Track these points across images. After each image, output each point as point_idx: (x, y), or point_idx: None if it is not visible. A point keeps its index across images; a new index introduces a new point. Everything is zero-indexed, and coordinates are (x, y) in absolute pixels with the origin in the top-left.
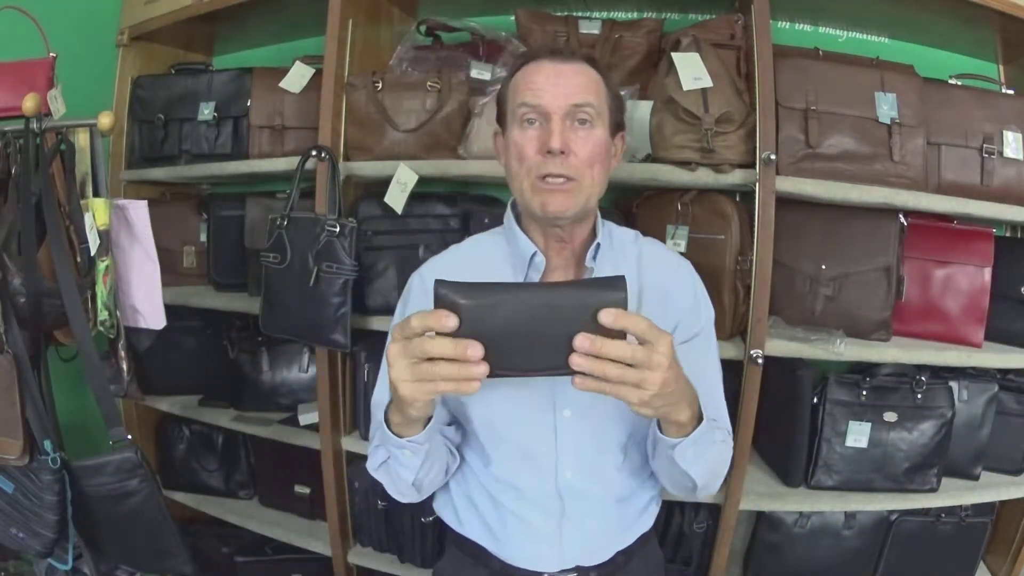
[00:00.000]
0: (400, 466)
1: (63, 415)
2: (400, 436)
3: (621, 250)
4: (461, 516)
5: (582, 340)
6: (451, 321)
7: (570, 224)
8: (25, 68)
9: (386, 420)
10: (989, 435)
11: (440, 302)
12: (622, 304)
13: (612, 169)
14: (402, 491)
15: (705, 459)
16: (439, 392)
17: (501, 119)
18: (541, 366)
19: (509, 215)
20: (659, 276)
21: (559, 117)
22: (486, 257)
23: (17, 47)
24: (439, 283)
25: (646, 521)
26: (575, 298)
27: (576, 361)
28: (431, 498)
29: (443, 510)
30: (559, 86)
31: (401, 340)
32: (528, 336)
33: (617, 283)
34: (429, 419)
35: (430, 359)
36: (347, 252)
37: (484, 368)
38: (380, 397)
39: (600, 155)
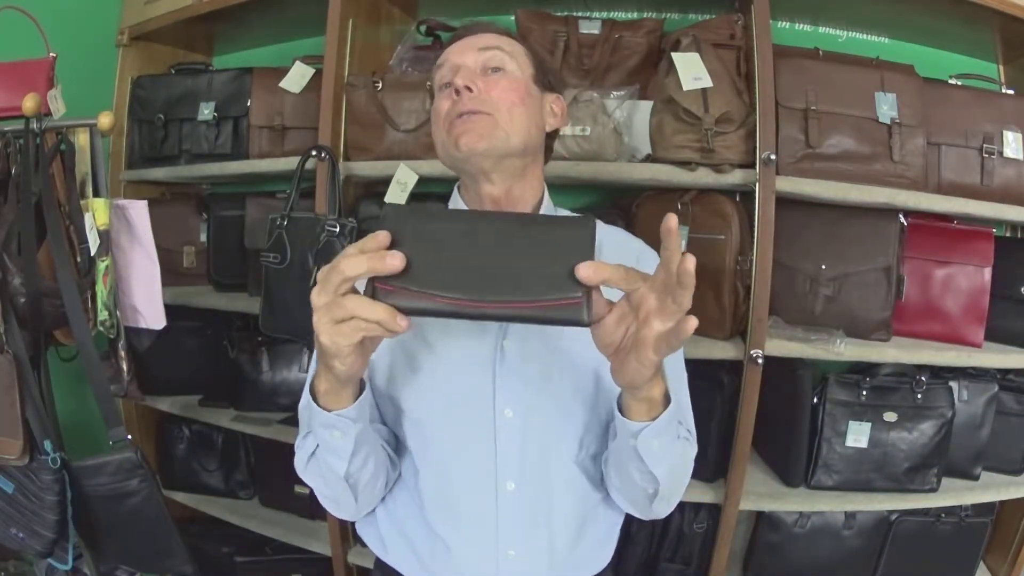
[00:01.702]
0: (330, 454)
1: (63, 415)
2: (329, 410)
3: None
4: (387, 541)
5: (585, 269)
6: (383, 237)
7: (501, 177)
8: (25, 68)
9: (312, 393)
10: (989, 435)
11: (386, 223)
12: (589, 242)
13: (551, 127)
14: (336, 494)
15: (671, 456)
16: (360, 331)
17: None
18: (489, 298)
19: (455, 195)
20: (623, 260)
21: (468, 68)
22: None
23: (17, 47)
24: (389, 206)
25: (600, 558)
26: (536, 231)
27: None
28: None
29: (370, 537)
30: (467, 44)
31: (322, 280)
32: (478, 266)
33: (585, 220)
34: (361, 391)
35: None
36: None
37: (399, 261)
38: (308, 399)
39: (519, 94)
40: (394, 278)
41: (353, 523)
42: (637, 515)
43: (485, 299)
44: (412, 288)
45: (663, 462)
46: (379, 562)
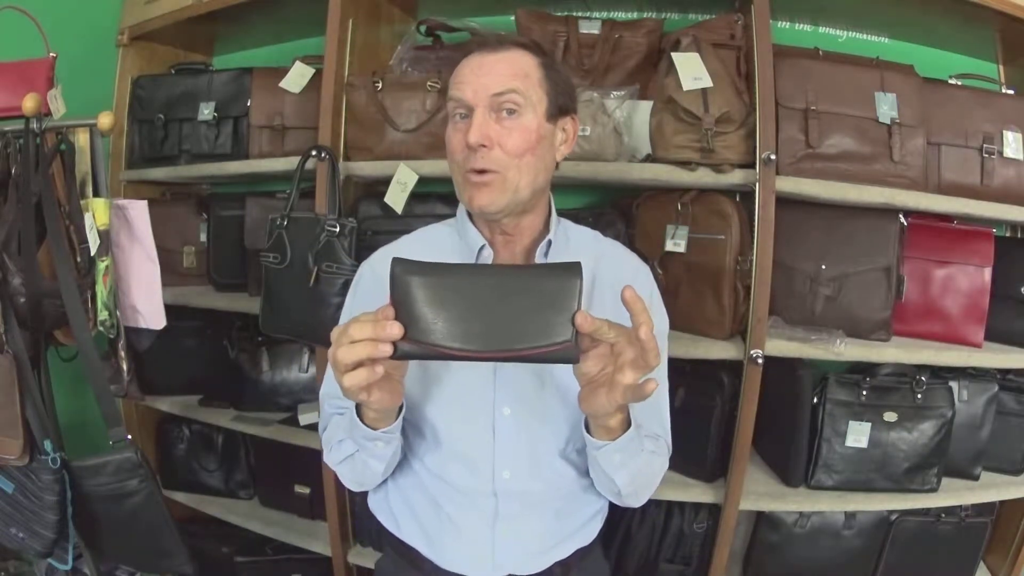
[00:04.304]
0: (371, 457)
1: (63, 415)
2: (375, 429)
3: (577, 249)
4: (399, 519)
5: (582, 318)
6: (388, 310)
7: (510, 218)
8: (25, 68)
9: (359, 414)
10: (989, 435)
11: (395, 280)
12: (576, 290)
13: (561, 155)
14: (365, 482)
15: (631, 467)
16: (366, 378)
17: None
18: (490, 347)
19: (461, 207)
20: (616, 277)
21: (482, 109)
22: (436, 248)
23: (17, 47)
24: (396, 261)
25: (587, 535)
26: (528, 282)
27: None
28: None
29: (380, 511)
30: (481, 77)
31: (335, 340)
32: (478, 318)
33: (572, 269)
34: (401, 408)
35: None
36: (347, 252)
37: (396, 331)
38: (330, 388)
39: (530, 144)
40: (405, 332)
41: (353, 523)
42: (612, 500)
43: (486, 350)
44: (422, 340)
45: (622, 472)
46: (391, 536)
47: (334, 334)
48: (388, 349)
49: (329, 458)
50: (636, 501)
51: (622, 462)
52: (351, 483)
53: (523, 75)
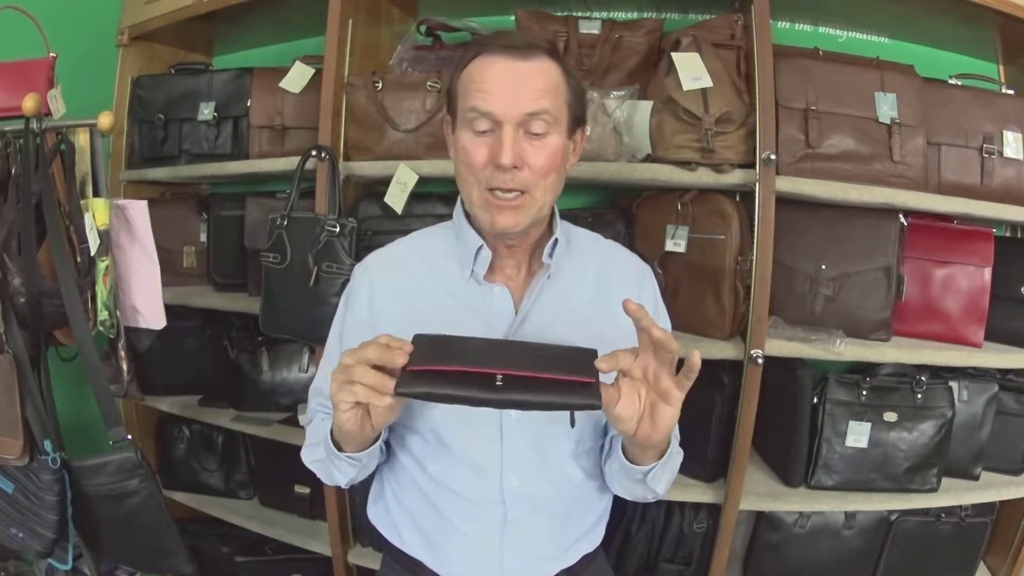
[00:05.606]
0: (336, 470)
1: (63, 415)
2: (341, 450)
3: (580, 251)
4: (401, 530)
5: (603, 361)
6: (407, 345)
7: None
8: (25, 68)
9: (332, 431)
10: (989, 435)
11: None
12: (594, 358)
13: (571, 165)
14: (333, 481)
15: (669, 473)
16: (355, 397)
17: (451, 112)
18: (506, 368)
19: (459, 208)
20: (620, 279)
21: (512, 127)
22: (432, 251)
23: (17, 47)
24: (417, 338)
25: (593, 539)
26: (547, 350)
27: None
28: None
29: (380, 522)
30: (512, 90)
31: (350, 352)
32: (497, 356)
33: (589, 351)
34: (375, 441)
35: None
36: (347, 252)
37: (402, 359)
38: (320, 384)
39: (556, 163)
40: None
41: (353, 523)
42: (641, 502)
43: (499, 367)
44: (432, 365)
45: (662, 481)
46: (390, 547)
47: (340, 357)
48: (387, 399)
49: (304, 455)
50: (660, 496)
51: (662, 473)
52: (325, 479)
53: (553, 91)
